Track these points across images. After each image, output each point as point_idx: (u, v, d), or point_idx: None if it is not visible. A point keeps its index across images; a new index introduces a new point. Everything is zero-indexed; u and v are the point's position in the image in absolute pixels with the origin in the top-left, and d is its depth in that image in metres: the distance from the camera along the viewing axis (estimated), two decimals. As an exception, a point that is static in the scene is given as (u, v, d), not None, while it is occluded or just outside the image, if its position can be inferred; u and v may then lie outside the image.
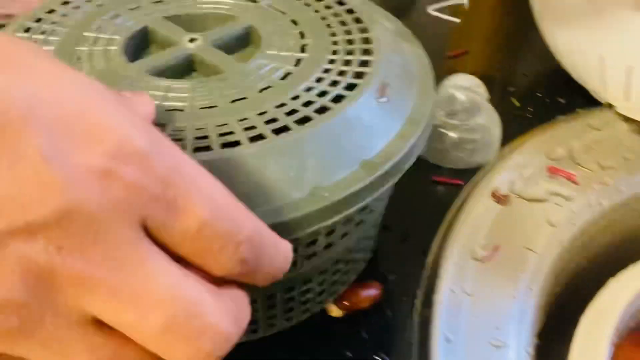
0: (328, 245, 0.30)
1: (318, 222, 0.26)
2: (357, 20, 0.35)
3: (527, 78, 0.60)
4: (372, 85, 0.30)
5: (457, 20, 0.67)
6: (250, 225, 0.20)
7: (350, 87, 0.30)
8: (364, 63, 0.31)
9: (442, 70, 0.37)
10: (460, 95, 0.47)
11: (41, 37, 0.33)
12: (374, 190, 0.27)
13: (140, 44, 0.35)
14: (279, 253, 0.22)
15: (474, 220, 0.41)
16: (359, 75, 0.31)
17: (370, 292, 0.37)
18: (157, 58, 0.32)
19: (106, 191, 0.17)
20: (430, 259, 0.39)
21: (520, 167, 0.46)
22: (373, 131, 0.29)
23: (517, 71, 0.61)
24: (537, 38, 0.58)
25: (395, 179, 0.28)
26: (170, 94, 0.29)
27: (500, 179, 0.45)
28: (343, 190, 0.26)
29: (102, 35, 0.34)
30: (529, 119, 0.53)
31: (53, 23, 0.35)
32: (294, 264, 0.30)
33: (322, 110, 0.28)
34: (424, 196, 0.45)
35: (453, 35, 0.67)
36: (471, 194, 0.44)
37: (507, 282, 0.38)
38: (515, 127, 0.50)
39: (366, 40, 0.33)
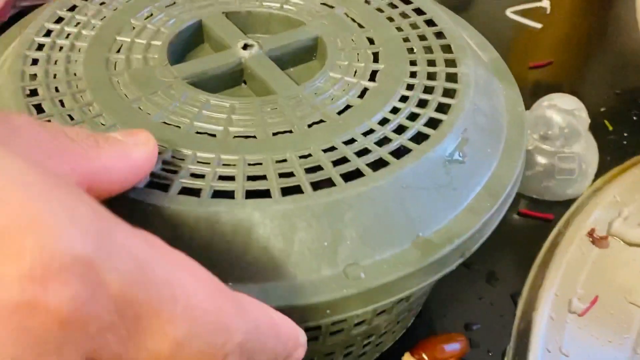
0: (358, 323, 0.25)
1: (347, 309, 0.21)
2: (446, 49, 0.28)
3: (620, 97, 0.52)
4: (446, 139, 0.24)
5: (538, 25, 0.59)
6: (243, 327, 0.15)
7: (419, 137, 0.24)
8: (443, 108, 0.25)
9: (523, 82, 0.31)
10: (559, 119, 0.40)
11: (83, 18, 0.29)
12: (426, 277, 0.22)
13: (190, 40, 0.30)
14: (281, 344, 0.17)
15: (568, 265, 0.36)
16: (433, 123, 0.25)
17: (455, 347, 0.32)
18: (203, 64, 0.27)
19: (24, 334, 0.11)
20: (520, 308, 0.35)
21: (619, 204, 0.40)
22: (437, 199, 0.23)
23: (608, 88, 0.53)
24: (629, 50, 0.49)
25: (456, 265, 0.23)
26: (205, 112, 0.25)
27: (597, 217, 0.39)
28: (386, 274, 0.21)
29: (149, 26, 0.29)
30: (624, 146, 0.46)
31: (102, 4, 0.31)
32: (315, 338, 0.25)
33: (377, 164, 0.23)
34: (510, 230, 0.40)
35: (534, 42, 0.59)
36: (564, 232, 0.39)
37: (610, 343, 0.33)
38: (608, 155, 0.44)
39: (451, 78, 0.27)
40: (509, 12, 0.61)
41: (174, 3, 0.31)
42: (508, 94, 0.29)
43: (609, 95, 0.52)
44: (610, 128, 0.48)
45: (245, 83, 0.28)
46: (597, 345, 0.33)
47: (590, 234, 0.38)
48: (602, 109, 0.50)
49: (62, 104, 0.25)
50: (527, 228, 0.40)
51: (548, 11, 0.62)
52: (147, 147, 0.19)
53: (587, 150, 0.42)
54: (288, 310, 0.20)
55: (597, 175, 0.42)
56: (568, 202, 0.41)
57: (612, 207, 0.40)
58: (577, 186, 0.41)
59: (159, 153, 0.23)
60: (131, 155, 0.19)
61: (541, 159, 0.41)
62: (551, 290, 0.35)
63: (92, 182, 0.17)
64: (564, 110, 0.41)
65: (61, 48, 0.28)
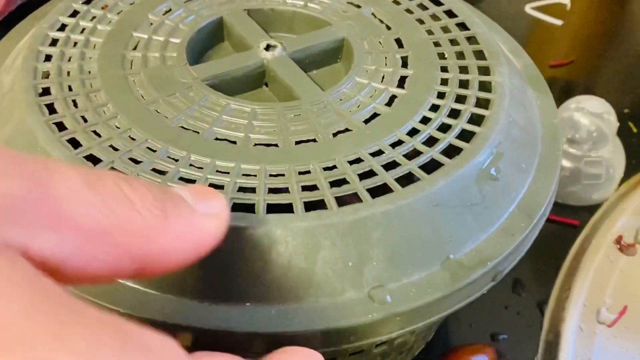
0: (380, 344, 0.24)
1: (371, 335, 0.20)
2: (479, 55, 0.27)
3: (646, 98, 0.51)
4: (480, 153, 0.23)
5: (558, 22, 0.57)
6: None
7: (451, 151, 0.23)
8: (476, 119, 0.24)
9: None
10: (587, 122, 0.39)
11: (99, 12, 0.28)
12: (455, 302, 0.21)
13: (210, 38, 0.29)
14: None
15: (596, 273, 0.35)
16: (465, 135, 0.23)
17: (483, 358, 0.31)
18: (224, 65, 0.26)
19: None
20: (548, 318, 0.34)
21: None
22: (469, 219, 0.21)
23: (632, 88, 0.51)
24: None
25: (487, 289, 0.21)
26: (225, 117, 0.24)
27: (624, 223, 0.38)
28: (413, 298, 0.20)
29: (167, 22, 0.28)
30: (651, 149, 0.45)
31: (118, -4, 0.29)
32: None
33: (406, 179, 0.21)
34: (534, 236, 0.40)
35: (555, 39, 0.57)
36: (590, 239, 0.38)
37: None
38: (633, 157, 0.43)
39: (485, 87, 0.25)
40: (528, 8, 0.59)
41: (194, -2, 0.30)
42: (542, 105, 0.27)
43: (633, 95, 0.51)
44: (635, 130, 0.47)
45: (266, 85, 0.27)
46: (627, 358, 0.32)
47: (618, 241, 0.37)
48: (626, 110, 0.49)
49: (75, 105, 0.24)
50: (552, 233, 0.39)
51: (568, 7, 0.60)
52: (219, 220, 0.15)
53: (614, 155, 0.41)
54: (309, 335, 0.19)
55: (623, 178, 0.41)
56: (593, 207, 0.40)
57: (639, 214, 0.39)
58: (603, 191, 0.40)
59: (176, 160, 0.22)
60: (199, 231, 0.15)
61: (567, 163, 0.40)
62: (579, 300, 0.34)
63: (144, 266, 0.14)
64: (592, 114, 0.40)
65: (75, 44, 0.27)
